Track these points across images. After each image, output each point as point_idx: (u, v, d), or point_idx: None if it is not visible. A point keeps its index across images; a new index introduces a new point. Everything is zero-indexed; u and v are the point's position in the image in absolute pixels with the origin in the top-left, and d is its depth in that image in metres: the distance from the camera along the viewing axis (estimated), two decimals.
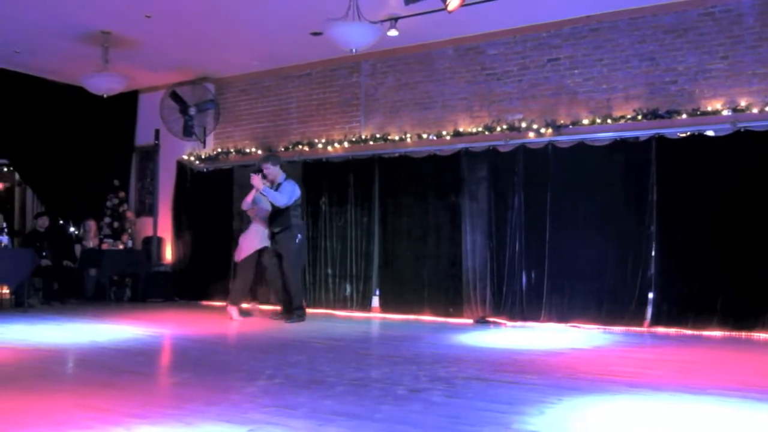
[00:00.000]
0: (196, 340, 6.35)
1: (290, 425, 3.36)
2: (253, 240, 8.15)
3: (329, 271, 9.53)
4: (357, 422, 3.43)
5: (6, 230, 9.36)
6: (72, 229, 11.07)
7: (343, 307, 9.32)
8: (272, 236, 8.03)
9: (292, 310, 8.04)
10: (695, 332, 7.12)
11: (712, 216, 7.24)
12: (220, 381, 4.50)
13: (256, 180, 7.70)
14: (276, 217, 7.95)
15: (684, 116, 7.45)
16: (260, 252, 8.23)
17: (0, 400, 3.88)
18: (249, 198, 7.98)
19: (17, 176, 11.56)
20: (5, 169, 11.86)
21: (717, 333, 7.05)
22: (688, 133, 7.47)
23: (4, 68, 10.25)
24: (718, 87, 7.44)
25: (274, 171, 8.01)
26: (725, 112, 7.26)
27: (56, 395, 4.00)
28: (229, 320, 8.03)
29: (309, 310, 9.44)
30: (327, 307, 9.43)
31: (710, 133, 7.39)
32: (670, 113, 7.51)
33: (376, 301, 9.20)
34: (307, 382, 4.42)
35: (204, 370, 4.89)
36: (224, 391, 4.14)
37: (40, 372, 4.80)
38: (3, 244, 9.00)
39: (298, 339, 6.82)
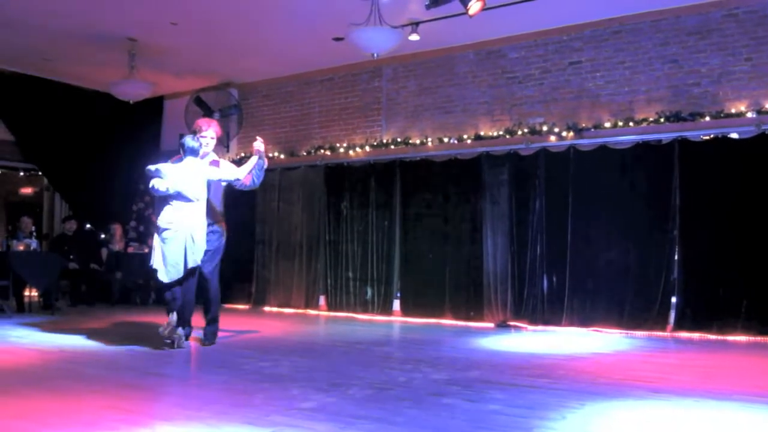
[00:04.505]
0: (219, 342, 6.41)
1: (312, 428, 3.40)
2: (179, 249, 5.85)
3: (350, 274, 9.57)
4: (378, 425, 3.46)
5: (35, 234, 9.54)
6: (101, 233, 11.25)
7: (365, 311, 9.35)
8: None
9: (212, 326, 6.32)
10: (719, 337, 7.04)
11: (736, 219, 7.16)
12: (244, 384, 4.55)
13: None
14: (213, 205, 6.18)
15: (707, 119, 7.38)
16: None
17: (27, 400, 3.97)
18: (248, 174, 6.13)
19: (46, 181, 11.77)
20: (30, 173, 12.09)
21: (741, 338, 6.96)
22: (712, 136, 7.40)
23: (33, 75, 10.46)
24: (742, 89, 7.36)
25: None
26: (749, 115, 7.18)
27: (82, 397, 4.08)
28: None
29: (331, 314, 9.55)
30: (348, 311, 9.47)
31: (734, 135, 7.32)
32: (694, 116, 7.45)
33: (397, 305, 9.22)
34: (329, 385, 4.45)
35: (227, 373, 4.95)
36: (247, 394, 4.19)
37: (67, 374, 4.89)
38: (32, 248, 9.17)
39: (320, 342, 6.88)
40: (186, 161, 5.96)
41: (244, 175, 6.14)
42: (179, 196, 5.81)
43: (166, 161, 6.16)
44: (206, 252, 6.05)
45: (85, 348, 6.06)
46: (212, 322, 6.34)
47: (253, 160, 6.17)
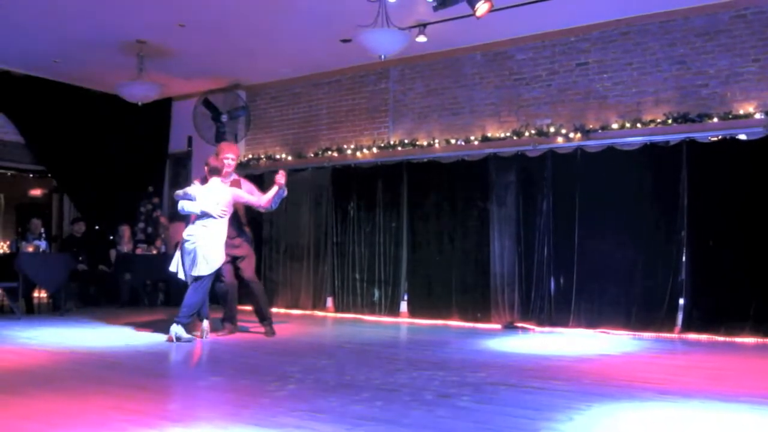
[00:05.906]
0: (227, 343, 6.44)
1: (319, 429, 3.41)
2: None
3: (358, 276, 9.58)
4: (385, 427, 3.46)
5: (44, 235, 9.59)
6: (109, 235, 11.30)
7: (372, 312, 9.36)
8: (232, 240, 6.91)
9: (268, 319, 7.17)
10: (727, 339, 7.01)
11: (744, 221, 7.14)
12: (251, 385, 4.57)
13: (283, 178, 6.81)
14: (238, 219, 7.06)
15: (715, 120, 7.36)
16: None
17: (36, 401, 4.00)
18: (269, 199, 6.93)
19: (55, 183, 11.83)
20: (39, 175, 12.15)
21: (749, 340, 6.93)
22: (720, 137, 7.38)
23: (43, 77, 10.52)
24: (751, 90, 7.34)
25: None
26: (758, 116, 7.16)
27: (91, 397, 4.11)
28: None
29: (338, 315, 9.57)
30: (355, 312, 9.48)
31: (742, 137, 7.29)
32: (701, 117, 7.43)
33: (404, 306, 9.22)
34: (336, 386, 4.47)
35: (235, 374, 4.97)
36: (254, 395, 4.21)
37: (76, 374, 4.92)
38: (41, 249, 9.23)
39: (327, 343, 6.90)
40: (212, 182, 6.70)
41: (265, 201, 6.91)
42: (204, 215, 6.55)
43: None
44: (243, 258, 6.98)
45: (93, 349, 6.10)
46: (269, 317, 7.16)
47: (274, 190, 6.82)
